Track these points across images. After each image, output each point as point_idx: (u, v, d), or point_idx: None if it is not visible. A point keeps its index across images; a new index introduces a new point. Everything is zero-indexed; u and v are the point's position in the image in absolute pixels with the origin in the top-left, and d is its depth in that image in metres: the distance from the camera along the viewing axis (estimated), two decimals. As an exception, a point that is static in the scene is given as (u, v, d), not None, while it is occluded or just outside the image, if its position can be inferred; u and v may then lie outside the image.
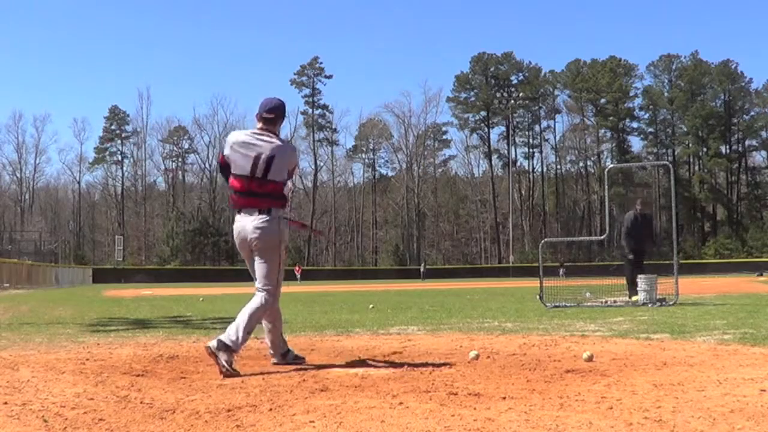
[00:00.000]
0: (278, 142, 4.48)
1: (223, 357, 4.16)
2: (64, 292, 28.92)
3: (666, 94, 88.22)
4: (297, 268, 57.18)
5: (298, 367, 4.53)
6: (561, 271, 58.05)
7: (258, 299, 4.42)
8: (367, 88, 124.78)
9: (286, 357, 4.72)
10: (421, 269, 60.13)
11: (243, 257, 4.63)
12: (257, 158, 4.40)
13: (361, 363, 4.72)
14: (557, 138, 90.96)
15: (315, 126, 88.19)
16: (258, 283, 4.48)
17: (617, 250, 65.73)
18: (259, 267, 4.47)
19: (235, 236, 4.55)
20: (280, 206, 4.50)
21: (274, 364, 4.67)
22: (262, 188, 4.42)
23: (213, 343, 4.23)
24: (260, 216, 4.42)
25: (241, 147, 4.45)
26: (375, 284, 38.21)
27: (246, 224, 4.44)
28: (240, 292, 21.42)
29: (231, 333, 4.27)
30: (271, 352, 4.74)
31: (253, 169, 4.40)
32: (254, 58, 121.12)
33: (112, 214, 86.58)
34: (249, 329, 4.34)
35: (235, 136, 4.54)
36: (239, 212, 4.50)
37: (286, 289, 4.70)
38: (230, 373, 4.10)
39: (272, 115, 4.54)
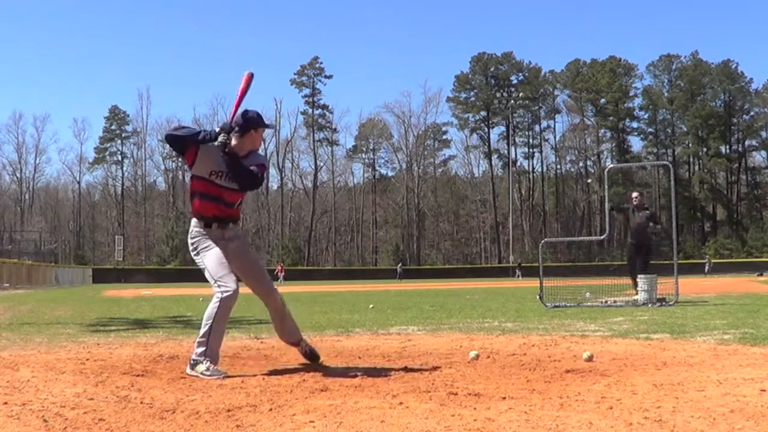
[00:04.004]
0: None
1: (200, 369, 4.15)
2: (64, 292, 28.92)
3: (666, 94, 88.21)
4: (279, 267, 56.75)
5: (298, 367, 4.53)
6: (517, 272, 58.25)
7: (213, 299, 4.36)
8: (367, 88, 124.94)
9: (294, 346, 4.75)
10: (398, 269, 60.16)
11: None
12: None
13: (361, 363, 4.72)
14: (557, 138, 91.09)
15: (315, 126, 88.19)
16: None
17: (617, 250, 66.00)
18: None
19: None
20: (192, 212, 4.51)
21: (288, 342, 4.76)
22: None
23: (187, 369, 4.25)
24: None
25: None
26: (375, 284, 38.22)
27: None
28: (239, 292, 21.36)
29: (196, 347, 4.27)
30: (285, 339, 4.79)
31: None
32: (254, 58, 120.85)
33: (112, 214, 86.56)
34: (210, 330, 4.26)
35: None
36: None
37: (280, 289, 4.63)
38: (213, 377, 4.07)
39: (236, 127, 4.44)
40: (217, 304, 4.29)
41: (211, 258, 4.35)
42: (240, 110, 4.46)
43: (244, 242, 4.69)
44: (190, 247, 4.49)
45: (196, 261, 4.46)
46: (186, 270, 62.38)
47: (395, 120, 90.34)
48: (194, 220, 4.47)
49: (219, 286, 4.30)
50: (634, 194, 13.29)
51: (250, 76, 4.54)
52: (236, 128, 4.38)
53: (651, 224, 12.67)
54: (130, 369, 4.44)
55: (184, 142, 4.34)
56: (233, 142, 4.39)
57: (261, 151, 4.73)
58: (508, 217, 79.76)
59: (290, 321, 4.73)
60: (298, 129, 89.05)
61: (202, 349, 4.22)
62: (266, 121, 4.55)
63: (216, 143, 4.28)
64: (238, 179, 4.37)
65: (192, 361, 4.23)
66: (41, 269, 40.45)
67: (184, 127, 4.41)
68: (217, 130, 4.31)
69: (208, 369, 4.13)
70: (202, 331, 4.28)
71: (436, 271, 71.92)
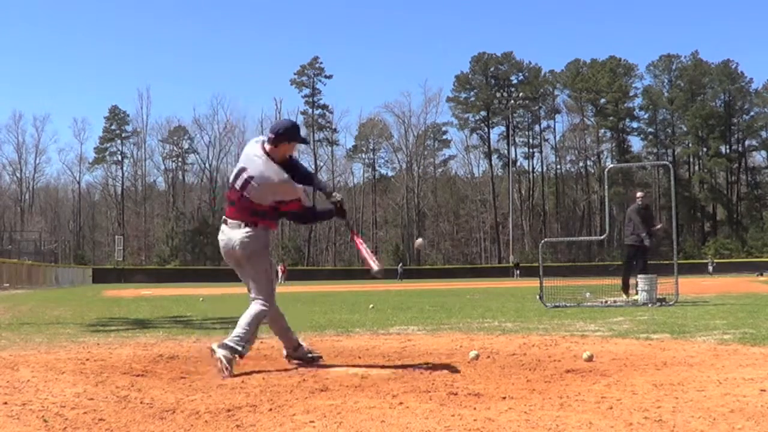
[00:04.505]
0: (263, 166, 4.35)
1: (228, 357, 4.18)
2: (64, 292, 28.91)
3: (666, 94, 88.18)
4: (282, 267, 56.53)
5: (298, 367, 4.53)
6: (515, 272, 58.28)
7: (255, 307, 4.43)
8: (367, 88, 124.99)
9: (297, 351, 4.73)
10: (399, 269, 60.20)
11: (231, 266, 4.63)
12: (240, 171, 4.42)
13: (361, 363, 4.72)
14: (557, 138, 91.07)
15: (315, 126, 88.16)
16: (252, 293, 4.50)
17: (617, 250, 66.14)
18: (249, 278, 4.49)
19: (221, 246, 4.52)
20: (264, 224, 4.44)
21: (286, 357, 4.72)
22: (240, 203, 4.40)
23: (215, 345, 4.28)
24: (246, 229, 4.39)
25: (241, 155, 4.54)
26: (375, 284, 38.20)
27: (232, 236, 4.42)
28: (240, 292, 21.33)
29: (235, 337, 4.29)
30: (284, 349, 4.78)
31: (234, 180, 4.44)
32: (254, 58, 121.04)
33: (112, 214, 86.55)
34: (250, 334, 4.37)
35: (248, 144, 4.60)
36: (225, 222, 4.48)
37: (277, 290, 4.68)
38: (228, 374, 4.10)
39: (272, 135, 4.44)
40: (259, 312, 4.42)
41: (269, 270, 4.52)
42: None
43: None
44: (258, 247, 4.42)
45: (254, 263, 4.44)
46: (186, 270, 62.45)
47: (395, 120, 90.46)
48: (265, 227, 4.48)
49: (264, 300, 4.45)
50: (639, 194, 13.19)
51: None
52: (271, 136, 4.43)
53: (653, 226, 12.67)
54: (130, 369, 4.44)
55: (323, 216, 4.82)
56: (267, 147, 4.45)
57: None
58: (508, 217, 79.75)
59: (286, 323, 4.80)
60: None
61: (244, 342, 4.30)
62: (302, 135, 4.66)
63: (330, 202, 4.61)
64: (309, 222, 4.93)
65: (227, 344, 4.23)
66: (41, 269, 40.44)
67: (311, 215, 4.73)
68: (330, 194, 4.59)
69: (230, 364, 4.16)
70: (249, 327, 4.35)
71: (437, 271, 71.88)
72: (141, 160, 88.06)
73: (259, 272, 4.46)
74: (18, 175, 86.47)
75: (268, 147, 4.44)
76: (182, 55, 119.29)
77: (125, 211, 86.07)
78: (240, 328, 4.36)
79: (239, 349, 4.26)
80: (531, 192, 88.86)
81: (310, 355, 4.73)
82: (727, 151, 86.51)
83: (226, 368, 4.13)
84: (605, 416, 2.87)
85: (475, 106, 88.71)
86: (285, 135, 4.44)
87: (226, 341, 4.28)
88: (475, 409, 3.05)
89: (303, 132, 4.75)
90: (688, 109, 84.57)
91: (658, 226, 12.74)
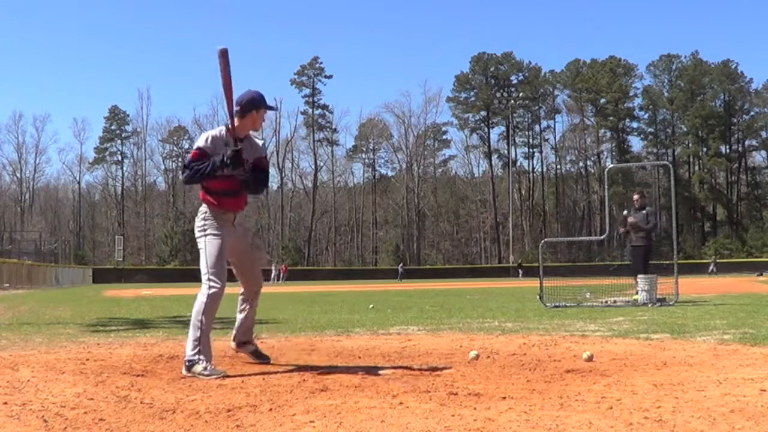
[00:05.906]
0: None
1: (197, 370, 4.12)
2: (64, 292, 28.91)
3: (666, 94, 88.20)
4: (283, 267, 56.64)
5: (298, 367, 4.53)
6: (519, 272, 58.29)
7: (199, 294, 4.29)
8: (367, 88, 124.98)
9: (243, 347, 4.70)
10: (399, 269, 60.20)
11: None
12: None
13: (361, 363, 4.72)
14: (557, 138, 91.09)
15: (315, 126, 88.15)
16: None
17: (617, 250, 66.19)
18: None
19: None
20: (206, 201, 4.37)
21: (233, 348, 4.73)
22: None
23: (183, 370, 4.21)
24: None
25: None
26: (375, 284, 38.19)
27: None
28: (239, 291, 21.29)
29: (188, 347, 4.22)
30: (233, 340, 4.75)
31: None
32: (254, 58, 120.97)
33: (112, 214, 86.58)
34: (201, 328, 4.20)
35: None
36: None
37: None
38: (213, 377, 4.06)
39: (237, 107, 4.34)
40: (205, 300, 4.24)
41: (212, 246, 4.29)
42: (236, 92, 4.35)
43: (248, 230, 4.73)
44: (196, 228, 4.39)
45: (199, 243, 4.37)
46: (186, 270, 62.34)
47: (395, 120, 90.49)
48: (204, 204, 4.41)
49: (210, 280, 4.24)
50: (635, 196, 13.28)
51: (224, 52, 4.26)
52: (237, 108, 4.32)
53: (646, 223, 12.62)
54: (130, 369, 4.44)
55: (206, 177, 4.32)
56: (235, 122, 4.35)
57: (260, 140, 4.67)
58: (508, 217, 79.75)
59: (253, 318, 4.76)
60: (298, 129, 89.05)
61: (196, 349, 4.18)
62: (269, 102, 4.47)
63: (230, 170, 4.24)
64: (253, 191, 4.48)
65: (187, 362, 4.19)
66: (41, 269, 40.42)
67: (191, 169, 4.29)
68: (221, 159, 4.23)
69: (206, 369, 4.11)
70: (193, 329, 4.23)
71: (437, 271, 71.87)
72: (141, 160, 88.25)
73: (200, 252, 4.34)
74: (18, 175, 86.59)
75: (237, 121, 4.35)
76: (182, 55, 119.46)
77: (125, 211, 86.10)
78: (189, 329, 4.26)
79: (196, 359, 4.14)
80: (531, 192, 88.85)
81: (255, 354, 4.72)
82: (727, 151, 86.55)
83: (209, 377, 4.06)
84: (605, 416, 2.87)
85: (475, 106, 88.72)
86: (250, 104, 4.35)
87: (186, 358, 4.19)
88: (475, 409, 3.05)
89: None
90: (688, 109, 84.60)
91: (621, 230, 12.73)
